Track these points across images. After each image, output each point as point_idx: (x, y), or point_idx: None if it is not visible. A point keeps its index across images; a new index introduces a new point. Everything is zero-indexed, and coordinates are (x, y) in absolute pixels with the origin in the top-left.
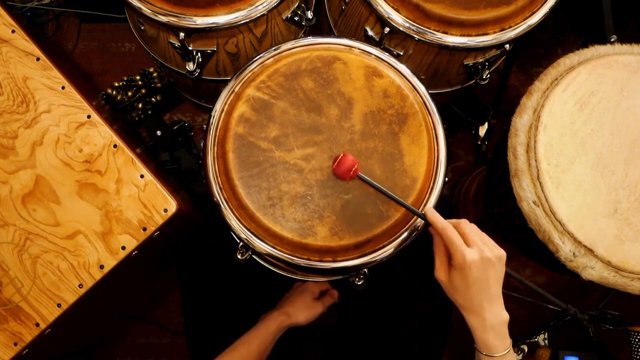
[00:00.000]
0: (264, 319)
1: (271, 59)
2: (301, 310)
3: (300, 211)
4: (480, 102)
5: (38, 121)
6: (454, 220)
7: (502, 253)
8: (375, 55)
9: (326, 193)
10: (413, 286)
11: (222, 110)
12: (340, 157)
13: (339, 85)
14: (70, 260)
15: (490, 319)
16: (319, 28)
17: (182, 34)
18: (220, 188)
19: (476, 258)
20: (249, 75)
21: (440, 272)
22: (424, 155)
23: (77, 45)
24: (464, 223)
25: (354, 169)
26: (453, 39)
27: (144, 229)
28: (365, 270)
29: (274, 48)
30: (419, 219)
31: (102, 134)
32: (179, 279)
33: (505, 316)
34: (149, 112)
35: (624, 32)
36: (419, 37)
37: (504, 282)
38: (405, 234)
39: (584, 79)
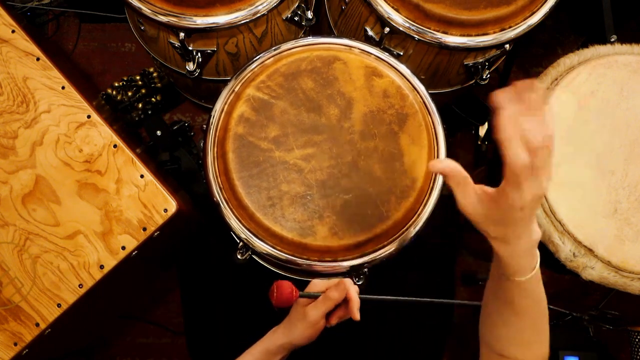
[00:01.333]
0: (269, 336)
1: (271, 59)
2: (296, 329)
3: (300, 211)
4: (480, 102)
5: (38, 121)
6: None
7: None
8: (375, 55)
9: (326, 193)
10: (413, 287)
11: (222, 110)
12: (275, 288)
13: (339, 85)
14: (70, 260)
15: (525, 244)
16: (319, 28)
17: (182, 34)
18: (220, 188)
19: (539, 193)
20: (249, 75)
21: (468, 201)
22: (424, 155)
23: (77, 45)
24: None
25: (293, 294)
26: (453, 39)
27: (144, 229)
28: (365, 270)
29: (274, 48)
30: (419, 219)
31: (102, 134)
32: (179, 279)
33: (538, 234)
34: (149, 112)
35: (624, 32)
36: (419, 37)
37: None
38: (405, 234)
39: (584, 79)
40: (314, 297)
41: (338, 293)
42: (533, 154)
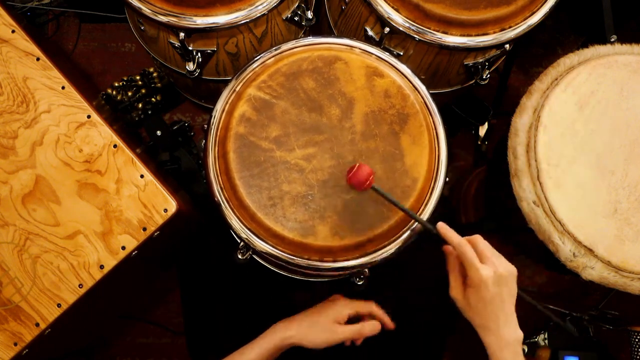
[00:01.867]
0: (272, 329)
1: (272, 59)
2: (313, 331)
3: (301, 211)
4: (480, 102)
5: (38, 121)
6: (467, 237)
7: (513, 269)
8: (376, 55)
9: (327, 193)
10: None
11: (223, 109)
12: (356, 167)
13: (340, 85)
14: (70, 260)
15: (506, 337)
16: (319, 28)
17: (182, 34)
18: (221, 188)
19: (491, 274)
20: (250, 74)
21: (456, 291)
22: (425, 156)
23: (77, 45)
24: (478, 239)
25: (369, 180)
26: (453, 39)
27: (144, 229)
28: (366, 270)
29: (274, 48)
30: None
31: (102, 134)
32: (179, 279)
33: (520, 334)
34: (149, 112)
35: (624, 32)
36: (419, 37)
37: None
38: (406, 234)
39: (584, 79)
40: (384, 196)
41: (370, 328)
42: (471, 241)
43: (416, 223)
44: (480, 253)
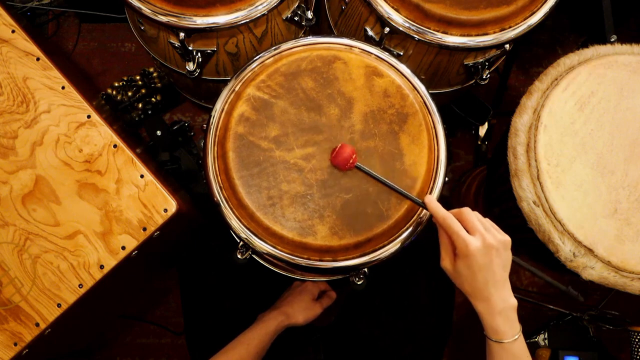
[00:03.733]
0: (263, 319)
1: (271, 59)
2: (300, 310)
3: (301, 211)
4: (480, 102)
5: (38, 121)
6: (455, 210)
7: (506, 238)
8: (375, 55)
9: (326, 192)
10: (413, 287)
11: (223, 109)
12: (338, 148)
13: (339, 84)
14: (70, 260)
15: (497, 304)
16: (319, 28)
17: (182, 34)
18: (220, 187)
19: (479, 245)
20: (249, 74)
21: (446, 261)
22: (424, 155)
23: (77, 45)
24: (466, 211)
25: (352, 158)
26: (453, 39)
27: (144, 229)
28: (365, 269)
29: (274, 48)
30: (419, 219)
31: (102, 134)
32: (179, 279)
33: (513, 302)
34: (149, 112)
35: (624, 32)
36: (419, 37)
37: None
38: (405, 234)
39: (584, 79)
40: (369, 173)
41: (332, 297)
42: (458, 213)
43: (416, 221)
44: (468, 224)
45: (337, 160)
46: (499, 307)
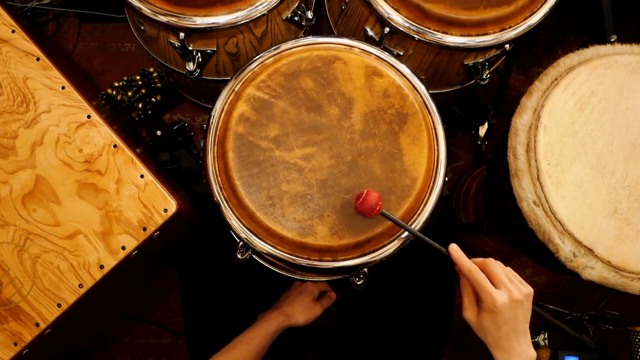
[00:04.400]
0: (263, 319)
1: (271, 59)
2: (300, 311)
3: (300, 211)
4: (480, 102)
5: (38, 121)
6: (479, 260)
7: (529, 290)
8: (375, 55)
9: (326, 192)
10: (413, 287)
11: (222, 109)
12: (364, 194)
13: (339, 84)
14: (70, 260)
15: (517, 356)
16: (319, 28)
17: (182, 34)
18: (220, 187)
19: (506, 301)
20: (249, 74)
21: (470, 313)
22: (424, 155)
23: (77, 45)
24: (491, 262)
25: (378, 205)
26: (453, 39)
27: (144, 229)
28: (365, 270)
29: (274, 48)
30: (419, 218)
31: (102, 134)
32: (179, 279)
33: (533, 354)
34: (149, 112)
35: (624, 32)
36: (419, 37)
37: None
38: (405, 234)
39: (584, 79)
40: (395, 221)
41: (332, 298)
42: (483, 265)
43: (416, 222)
44: (493, 277)
45: (363, 207)
46: (520, 358)
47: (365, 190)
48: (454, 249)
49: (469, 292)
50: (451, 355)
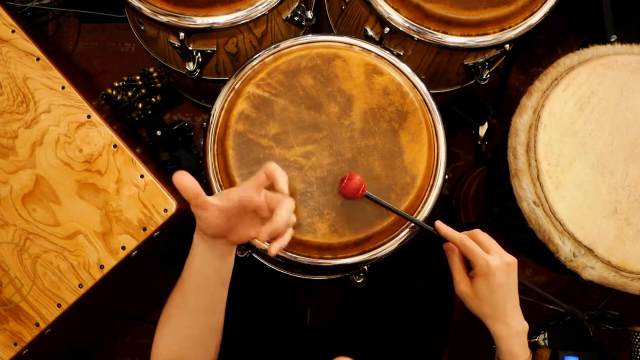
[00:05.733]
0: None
1: (271, 57)
2: (205, 217)
3: (300, 208)
4: (480, 102)
5: (38, 121)
6: (466, 232)
7: (515, 259)
8: (375, 53)
9: (326, 190)
10: (413, 285)
11: (222, 107)
12: (346, 178)
13: (339, 82)
14: (70, 260)
15: (515, 326)
16: (319, 28)
17: (182, 34)
18: (220, 185)
19: (499, 262)
20: (249, 72)
21: (462, 284)
22: (424, 153)
23: (77, 45)
24: (478, 232)
25: (361, 188)
26: (453, 39)
27: (144, 229)
28: (366, 267)
29: (273, 46)
30: (419, 216)
31: (102, 134)
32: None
33: (526, 325)
34: (149, 112)
35: (624, 32)
36: (419, 37)
37: None
38: (404, 232)
39: (584, 79)
40: (379, 202)
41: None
42: (472, 235)
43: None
44: (483, 244)
45: (346, 191)
46: (517, 329)
47: (348, 174)
48: (441, 224)
49: (458, 266)
50: (451, 355)
